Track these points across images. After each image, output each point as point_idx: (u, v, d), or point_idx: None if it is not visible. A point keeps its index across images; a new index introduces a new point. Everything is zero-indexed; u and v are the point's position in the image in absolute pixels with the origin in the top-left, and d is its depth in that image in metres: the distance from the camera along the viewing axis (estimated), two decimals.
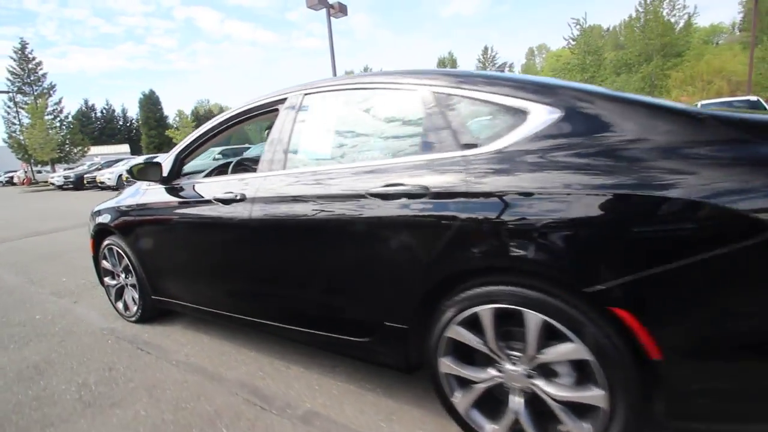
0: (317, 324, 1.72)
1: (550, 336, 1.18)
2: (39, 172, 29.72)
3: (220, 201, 1.93)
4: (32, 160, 27.93)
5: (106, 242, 2.74)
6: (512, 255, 1.16)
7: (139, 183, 2.51)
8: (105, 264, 2.83)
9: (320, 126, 1.82)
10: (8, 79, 29.27)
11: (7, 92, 28.80)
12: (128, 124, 63.38)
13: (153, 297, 2.54)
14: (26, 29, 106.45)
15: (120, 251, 2.62)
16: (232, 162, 2.60)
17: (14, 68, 29.52)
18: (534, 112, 1.25)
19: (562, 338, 1.15)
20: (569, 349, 1.14)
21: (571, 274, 1.09)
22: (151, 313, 2.67)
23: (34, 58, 30.15)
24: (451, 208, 1.27)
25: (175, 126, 39.23)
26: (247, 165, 2.76)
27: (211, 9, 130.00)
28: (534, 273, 1.16)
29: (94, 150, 37.52)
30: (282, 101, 1.90)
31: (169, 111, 65.50)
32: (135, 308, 2.69)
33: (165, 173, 2.29)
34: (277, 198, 1.72)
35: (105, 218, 2.68)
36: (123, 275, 2.73)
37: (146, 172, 2.24)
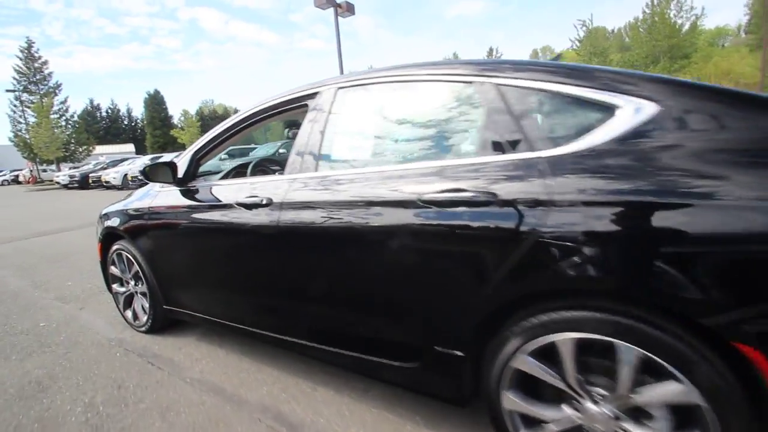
0: (354, 345, 1.53)
1: (646, 371, 0.99)
2: (44, 170, 29.75)
3: (242, 206, 1.75)
4: (37, 159, 27.93)
5: (115, 247, 2.57)
6: (604, 276, 0.97)
7: (151, 184, 2.34)
8: (113, 270, 2.66)
9: (358, 123, 1.64)
10: (14, 78, 29.27)
11: (14, 91, 28.81)
12: (133, 124, 63.54)
13: (165, 307, 2.37)
14: (32, 29, 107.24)
15: (130, 257, 2.45)
16: (251, 163, 2.43)
17: (20, 67, 29.53)
18: (625, 107, 1.06)
19: (665, 376, 0.96)
20: (675, 391, 0.95)
21: (685, 301, 0.90)
22: (162, 324, 2.49)
23: (40, 57, 30.16)
24: (526, 218, 1.08)
25: (179, 126, 39.25)
26: (267, 167, 2.58)
27: (215, 10, 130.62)
28: (632, 298, 0.97)
29: (99, 149, 37.57)
30: (312, 96, 1.72)
31: (174, 111, 65.59)
32: (145, 318, 2.52)
33: (180, 174, 2.11)
34: (308, 203, 1.53)
35: (114, 221, 2.50)
36: (133, 282, 2.56)
37: (159, 172, 2.07)
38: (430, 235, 1.23)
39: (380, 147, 1.56)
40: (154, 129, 50.28)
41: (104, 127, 60.16)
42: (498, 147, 1.20)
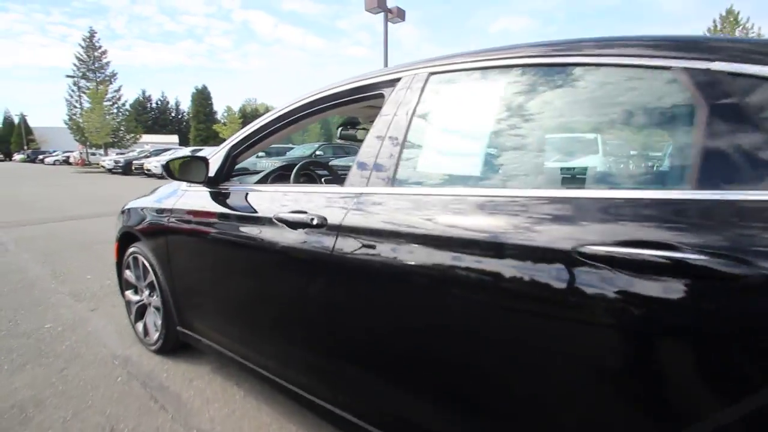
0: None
1: None
2: (93, 154, 31.12)
3: (284, 222, 1.32)
4: (88, 143, 29.24)
5: (131, 249, 2.22)
6: None
7: (177, 182, 1.97)
8: (128, 275, 2.32)
9: (461, 122, 1.17)
10: (75, 65, 30.96)
11: (73, 77, 30.44)
12: (179, 117, 66.17)
13: (178, 328, 1.97)
14: (98, 22, 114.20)
15: (146, 263, 2.08)
16: (295, 165, 2.01)
17: (81, 55, 31.21)
18: None
19: None
20: None
21: None
22: (174, 345, 2.11)
23: (100, 47, 31.79)
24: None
25: (222, 121, 40.33)
26: (313, 172, 2.16)
27: (266, 13, 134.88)
28: None
29: (146, 138, 39.11)
30: (390, 83, 1.27)
31: (219, 107, 67.96)
32: (156, 336, 2.14)
33: (212, 172, 1.72)
34: (382, 231, 1.08)
35: (133, 220, 2.15)
36: (147, 292, 2.20)
37: (188, 169, 1.68)
38: (632, 317, 0.72)
39: (499, 158, 1.08)
40: (198, 122, 52.04)
41: (153, 117, 62.93)
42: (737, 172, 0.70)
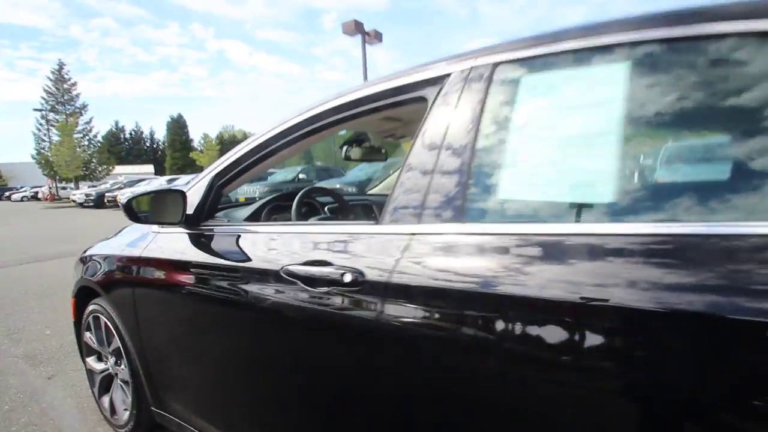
0: None
1: None
2: (64, 188, 29.90)
3: (297, 278, 0.95)
4: (57, 177, 28.08)
5: (91, 307, 1.79)
6: None
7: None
8: (89, 338, 1.88)
9: (558, 127, 0.80)
10: (43, 98, 30.02)
11: (41, 110, 29.45)
12: (155, 146, 64.92)
13: (153, 408, 1.55)
14: (69, 55, 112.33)
15: (110, 325, 1.66)
16: (294, 195, 1.64)
17: (50, 87, 30.32)
18: None
19: None
20: None
21: None
22: (149, 428, 1.67)
23: (69, 79, 31.00)
24: None
25: (199, 149, 39.57)
26: (312, 200, 1.80)
27: (241, 42, 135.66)
28: None
29: (119, 169, 37.99)
30: (436, 81, 0.94)
31: (195, 134, 66.93)
32: (126, 416, 1.70)
33: (190, 209, 1.34)
34: (463, 290, 0.73)
35: (91, 271, 1.74)
36: (113, 360, 1.76)
37: (159, 206, 1.29)
38: None
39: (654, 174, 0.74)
40: (174, 151, 51.06)
41: (126, 148, 61.54)
42: None
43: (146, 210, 1.29)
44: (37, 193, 33.16)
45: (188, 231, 1.36)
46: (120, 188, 19.24)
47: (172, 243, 1.39)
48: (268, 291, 1.02)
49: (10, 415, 1.99)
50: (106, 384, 1.85)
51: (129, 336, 1.56)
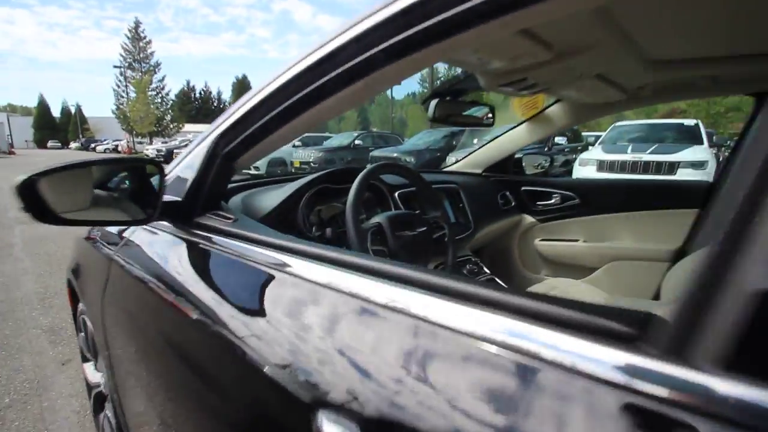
0: None
1: None
2: (140, 143, 31.95)
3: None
4: (134, 132, 29.97)
5: (80, 306, 1.35)
6: None
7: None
8: (81, 340, 1.46)
9: None
10: (121, 55, 31.70)
11: (119, 67, 31.19)
12: (221, 106, 67.53)
13: None
14: (148, 15, 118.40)
15: (92, 336, 1.20)
16: (354, 172, 1.00)
17: (127, 45, 31.90)
18: None
19: None
20: None
21: None
22: None
23: (145, 37, 32.36)
24: None
25: None
26: (377, 182, 1.18)
27: (305, 3, 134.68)
28: None
29: (189, 127, 39.86)
30: None
31: None
32: None
33: (174, 194, 0.77)
34: None
35: (73, 261, 1.28)
36: (102, 375, 1.33)
37: (104, 193, 0.73)
38: None
39: None
40: None
41: (196, 107, 64.56)
42: None
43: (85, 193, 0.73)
44: (117, 146, 35.88)
45: (173, 233, 0.80)
46: (187, 145, 19.97)
47: (141, 256, 0.85)
48: None
49: (6, 413, 1.67)
50: (99, 403, 1.43)
51: (101, 352, 1.08)
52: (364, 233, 0.88)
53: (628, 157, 5.91)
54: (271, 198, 1.01)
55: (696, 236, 1.51)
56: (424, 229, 1.01)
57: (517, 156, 1.96)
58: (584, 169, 6.30)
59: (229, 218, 0.75)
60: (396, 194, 1.26)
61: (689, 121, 6.87)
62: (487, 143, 1.93)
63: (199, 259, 0.72)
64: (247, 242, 0.65)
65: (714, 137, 7.32)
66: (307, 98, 0.65)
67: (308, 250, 0.57)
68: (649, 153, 5.83)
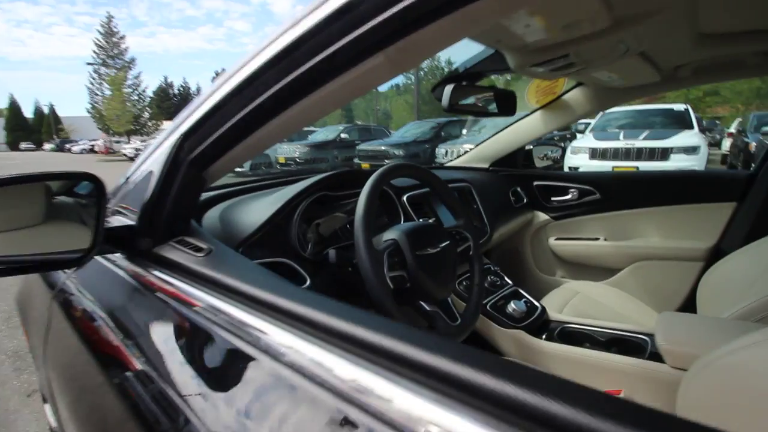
0: None
1: None
2: (117, 142, 30.95)
3: None
4: (110, 131, 29.01)
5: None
6: None
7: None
8: (39, 376, 1.24)
9: None
10: (94, 52, 30.52)
11: (93, 64, 30.06)
12: None
13: None
14: (121, 10, 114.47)
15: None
16: (370, 181, 0.80)
17: (100, 41, 30.70)
18: None
19: None
20: None
21: None
22: None
23: (118, 32, 31.18)
24: None
25: None
26: (387, 189, 1.00)
27: None
28: None
29: (167, 125, 38.68)
30: None
31: None
32: None
33: (124, 219, 0.57)
34: None
35: (21, 288, 1.07)
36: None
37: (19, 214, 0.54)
38: None
39: None
40: None
41: (175, 104, 62.94)
42: None
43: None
44: (93, 146, 34.72)
45: (125, 271, 0.61)
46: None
47: (83, 302, 0.65)
48: None
49: None
50: None
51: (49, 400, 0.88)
52: (378, 256, 0.70)
53: (621, 143, 5.82)
54: (258, 211, 0.82)
55: (734, 233, 1.37)
56: (447, 243, 0.82)
57: (527, 148, 1.79)
58: (576, 157, 6.21)
59: (200, 248, 0.55)
60: (404, 198, 1.07)
61: (678, 106, 6.81)
62: (492, 136, 1.75)
63: (154, 315, 0.53)
64: (221, 292, 0.46)
65: (704, 122, 7.30)
66: (298, 84, 0.46)
67: (316, 319, 0.38)
68: (642, 139, 5.75)
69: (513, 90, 1.12)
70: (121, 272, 0.61)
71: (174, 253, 0.56)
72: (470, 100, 1.01)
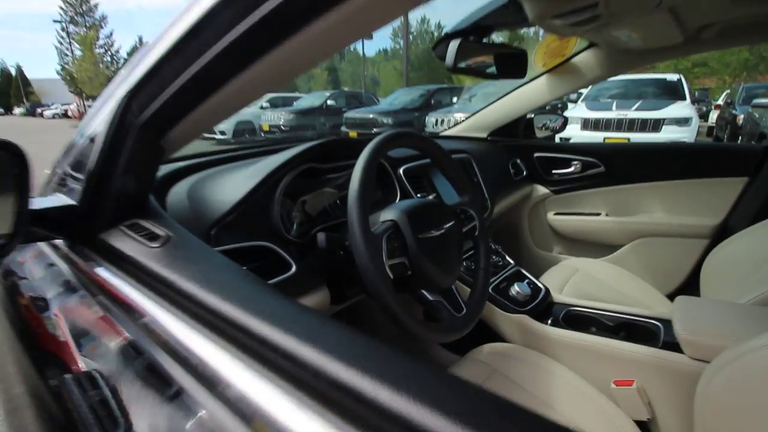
0: None
1: None
2: (91, 106, 29.52)
3: None
4: (84, 94, 27.61)
5: None
6: None
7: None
8: None
9: None
10: (61, 8, 28.49)
11: (60, 21, 28.12)
12: None
13: None
14: None
15: None
16: (366, 152, 0.68)
17: None
18: None
19: None
20: None
21: None
22: None
23: None
24: None
25: None
26: (383, 163, 0.89)
27: None
28: None
29: None
30: None
31: None
32: None
33: (61, 198, 0.45)
34: None
35: None
36: None
37: None
38: None
39: None
40: None
41: None
42: None
43: None
44: (66, 111, 33.10)
45: (64, 260, 0.49)
46: None
47: (14, 299, 0.54)
48: None
49: None
50: None
51: None
52: (376, 240, 0.59)
53: (613, 114, 5.73)
54: (234, 186, 0.70)
55: (744, 209, 1.31)
56: (452, 223, 0.73)
57: (528, 116, 1.68)
58: (568, 128, 6.11)
59: (156, 236, 0.44)
60: (401, 171, 0.96)
61: (672, 76, 6.70)
62: (491, 103, 1.63)
63: (93, 327, 0.42)
64: (174, 299, 0.35)
65: (696, 93, 7.22)
66: (271, 24, 0.34)
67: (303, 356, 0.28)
68: (634, 110, 5.67)
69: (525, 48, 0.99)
70: (61, 264, 0.50)
71: (123, 242, 0.45)
72: (480, 59, 0.88)
